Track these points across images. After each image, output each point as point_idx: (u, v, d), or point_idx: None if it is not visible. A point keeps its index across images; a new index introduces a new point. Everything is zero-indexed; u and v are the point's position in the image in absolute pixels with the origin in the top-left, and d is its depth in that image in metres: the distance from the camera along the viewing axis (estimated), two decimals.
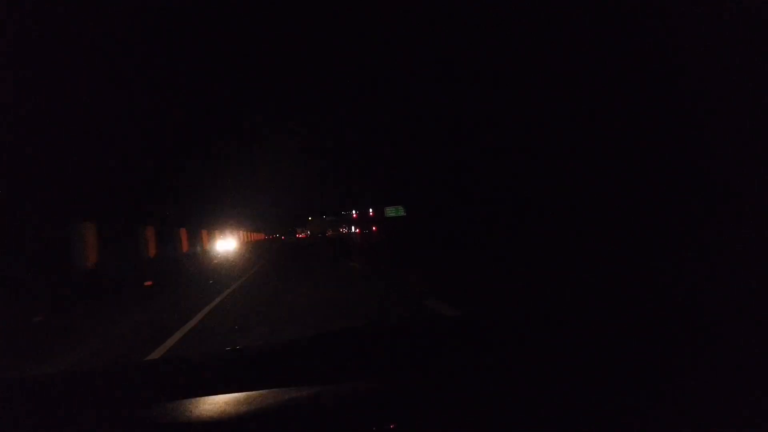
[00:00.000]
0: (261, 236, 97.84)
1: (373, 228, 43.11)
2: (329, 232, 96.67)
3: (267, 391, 1.16)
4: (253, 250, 37.26)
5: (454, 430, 0.95)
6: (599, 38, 7.92)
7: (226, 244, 37.30)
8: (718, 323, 1.47)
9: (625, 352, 1.31)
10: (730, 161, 6.44)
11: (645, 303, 2.44)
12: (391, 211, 26.36)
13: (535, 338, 1.61)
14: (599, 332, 1.58)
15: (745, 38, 5.97)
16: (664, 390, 1.04)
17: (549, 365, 1.25)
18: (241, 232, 58.50)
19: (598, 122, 9.25)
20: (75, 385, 1.49)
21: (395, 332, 1.97)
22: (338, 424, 1.01)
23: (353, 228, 75.47)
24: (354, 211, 66.52)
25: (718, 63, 6.47)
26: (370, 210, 45.85)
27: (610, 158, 9.08)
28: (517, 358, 1.36)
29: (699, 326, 1.49)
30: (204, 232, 37.36)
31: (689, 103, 7.13)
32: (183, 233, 30.33)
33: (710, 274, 5.10)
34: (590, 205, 10.13)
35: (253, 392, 1.15)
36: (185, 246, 30.39)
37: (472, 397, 1.09)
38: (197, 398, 1.13)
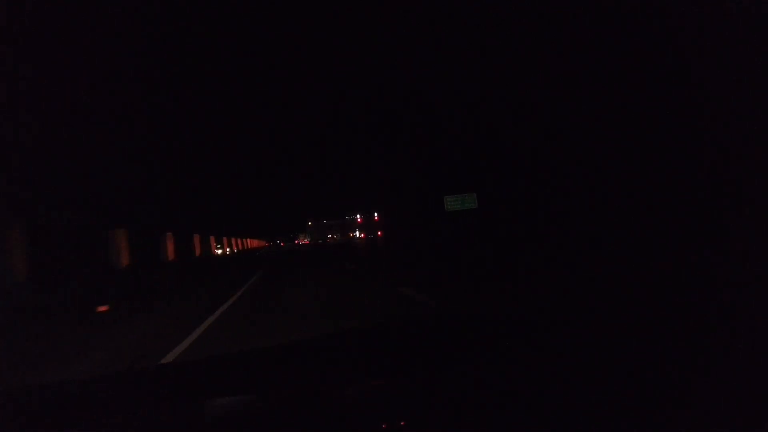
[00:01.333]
0: (262, 243, 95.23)
1: (378, 233, 43.09)
2: (332, 237, 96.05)
3: (277, 392, 1.17)
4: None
5: (458, 429, 0.96)
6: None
7: None
8: (718, 323, 1.47)
9: (625, 352, 1.32)
10: (731, 161, 6.41)
11: (645, 303, 2.45)
12: (454, 203, 18.08)
13: (537, 338, 1.62)
14: (599, 332, 1.59)
15: (745, 38, 5.95)
16: (664, 390, 1.05)
17: (550, 365, 1.26)
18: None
19: (600, 122, 9.20)
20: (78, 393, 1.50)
21: (398, 332, 1.98)
22: (348, 422, 1.02)
23: (357, 233, 75.25)
24: (358, 216, 66.19)
25: (718, 63, 6.45)
26: (375, 214, 45.68)
27: (611, 158, 9.03)
28: (519, 358, 1.37)
29: (699, 326, 1.49)
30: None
31: (690, 104, 7.11)
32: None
33: (710, 274, 5.07)
34: (591, 205, 10.05)
35: (263, 394, 1.17)
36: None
37: (475, 396, 1.10)
38: (207, 400, 1.15)
